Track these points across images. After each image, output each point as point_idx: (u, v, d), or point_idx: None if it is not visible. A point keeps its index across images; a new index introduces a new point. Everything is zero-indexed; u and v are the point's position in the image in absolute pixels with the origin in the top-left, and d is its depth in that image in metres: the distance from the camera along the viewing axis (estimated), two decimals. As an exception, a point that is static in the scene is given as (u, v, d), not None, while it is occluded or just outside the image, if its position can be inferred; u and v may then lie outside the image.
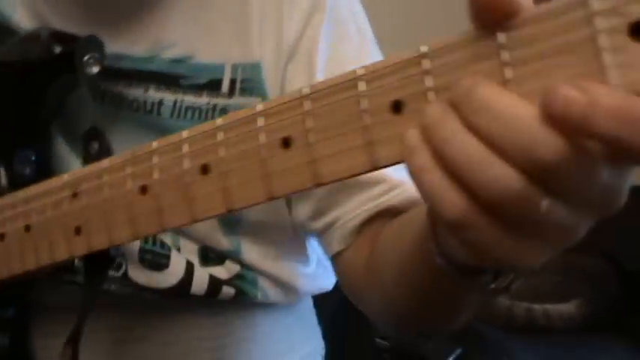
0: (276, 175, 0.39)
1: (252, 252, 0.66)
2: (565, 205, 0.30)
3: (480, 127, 0.30)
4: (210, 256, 0.66)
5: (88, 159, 0.56)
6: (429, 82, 0.33)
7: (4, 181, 0.61)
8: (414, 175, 0.32)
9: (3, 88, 0.62)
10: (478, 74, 0.31)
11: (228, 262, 0.66)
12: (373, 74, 0.35)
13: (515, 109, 0.29)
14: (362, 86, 0.36)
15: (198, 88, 0.63)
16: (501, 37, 0.31)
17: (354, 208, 0.59)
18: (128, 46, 0.63)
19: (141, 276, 0.63)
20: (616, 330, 1.40)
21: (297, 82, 0.62)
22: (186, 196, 0.43)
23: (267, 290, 0.67)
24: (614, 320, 1.41)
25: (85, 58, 0.57)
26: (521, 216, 0.30)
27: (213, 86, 0.63)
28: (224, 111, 0.63)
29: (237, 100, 0.63)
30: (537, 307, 1.42)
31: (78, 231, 0.50)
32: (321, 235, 0.62)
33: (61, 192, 0.51)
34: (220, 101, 0.63)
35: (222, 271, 0.66)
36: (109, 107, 0.63)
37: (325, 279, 0.73)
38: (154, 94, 0.63)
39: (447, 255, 0.39)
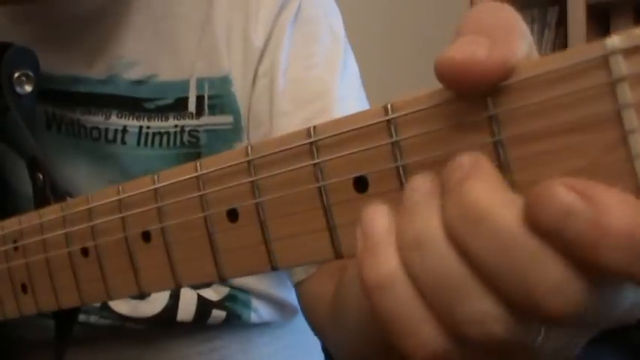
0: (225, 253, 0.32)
1: None
2: (565, 332, 0.23)
3: (468, 245, 0.21)
4: None
5: (35, 191, 0.49)
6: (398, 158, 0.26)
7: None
8: (371, 289, 0.23)
9: None
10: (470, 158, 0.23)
11: (215, 285, 0.60)
12: (331, 139, 0.28)
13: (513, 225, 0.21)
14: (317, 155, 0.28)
15: (164, 111, 0.55)
16: (491, 104, 0.23)
17: None
18: (83, 68, 0.55)
19: (122, 305, 0.58)
20: (620, 341, 1.34)
21: (258, 91, 0.55)
22: (131, 265, 0.36)
23: (261, 310, 0.61)
24: (618, 331, 1.35)
25: (15, 75, 0.49)
26: (512, 354, 0.22)
27: (179, 106, 0.55)
28: (193, 133, 0.55)
29: (207, 119, 0.55)
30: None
31: (24, 288, 0.44)
32: None
33: (2, 244, 0.45)
34: (188, 122, 0.56)
35: (211, 293, 0.60)
36: (66, 137, 0.56)
37: None
38: (116, 120, 0.55)
39: None
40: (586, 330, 0.25)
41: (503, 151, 0.23)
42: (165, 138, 0.56)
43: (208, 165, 0.32)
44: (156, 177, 0.34)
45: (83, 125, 0.56)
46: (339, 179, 0.27)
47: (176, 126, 0.55)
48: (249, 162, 0.30)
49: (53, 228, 0.41)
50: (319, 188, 0.28)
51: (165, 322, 0.58)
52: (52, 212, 0.41)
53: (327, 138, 0.27)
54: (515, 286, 0.20)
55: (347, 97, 0.56)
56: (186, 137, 0.55)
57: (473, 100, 0.24)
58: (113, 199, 0.36)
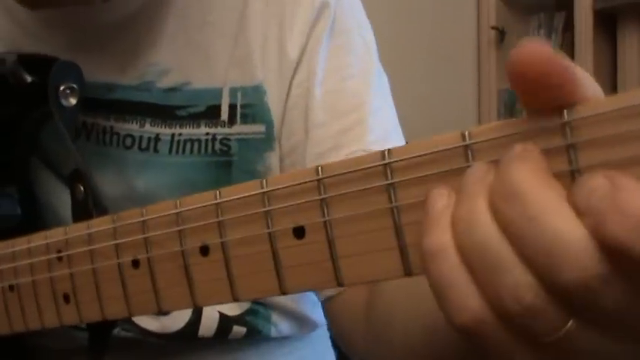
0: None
1: None
2: (598, 332, 0.25)
3: (507, 218, 0.25)
4: None
5: (75, 204, 0.50)
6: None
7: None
8: (426, 255, 0.27)
9: None
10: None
11: None
12: (405, 162, 0.29)
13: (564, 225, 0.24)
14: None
15: (195, 118, 0.56)
16: (569, 134, 0.25)
17: None
18: (117, 74, 0.56)
19: (145, 320, 0.58)
20: None
21: (292, 100, 0.56)
22: (186, 279, 0.37)
23: (280, 325, 0.62)
24: None
25: (61, 88, 0.50)
26: (542, 334, 0.25)
27: (211, 114, 0.56)
28: (225, 142, 0.56)
29: (239, 128, 0.56)
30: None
31: (66, 299, 0.44)
32: None
33: (45, 253, 0.45)
34: (220, 130, 0.56)
35: (233, 307, 0.60)
36: (94, 145, 0.56)
37: None
38: (150, 128, 0.56)
39: None
40: (621, 336, 0.25)
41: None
42: (196, 145, 0.56)
43: (275, 182, 0.33)
44: (218, 192, 0.35)
45: (116, 133, 0.56)
46: (413, 200, 0.28)
47: (207, 134, 0.56)
48: (319, 180, 0.31)
49: (102, 239, 0.41)
50: (391, 208, 0.29)
51: (187, 338, 0.59)
52: (102, 223, 0.41)
53: (401, 161, 0.29)
54: (542, 256, 0.24)
55: (381, 108, 0.57)
56: (217, 145, 0.56)
57: (550, 128, 0.25)
58: (170, 212, 0.37)
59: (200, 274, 0.36)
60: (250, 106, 0.56)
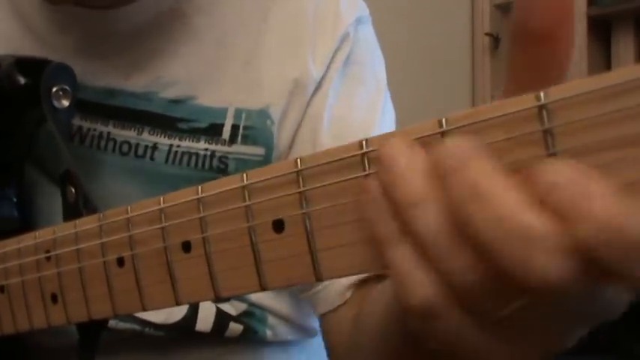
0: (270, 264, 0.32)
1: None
2: (549, 308, 0.25)
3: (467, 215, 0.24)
4: None
5: (66, 205, 0.50)
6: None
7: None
8: (376, 243, 0.27)
9: None
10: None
11: (233, 301, 0.60)
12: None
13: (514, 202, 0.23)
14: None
15: (196, 133, 0.57)
16: (546, 119, 0.24)
17: None
18: (120, 79, 0.56)
19: None
20: (612, 351, 1.34)
21: (305, 123, 0.58)
22: (169, 276, 0.37)
23: (277, 328, 0.62)
24: (611, 341, 1.35)
25: (54, 89, 0.50)
26: (494, 312, 0.25)
27: (213, 131, 0.57)
28: (223, 160, 0.57)
29: (238, 148, 0.57)
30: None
31: (54, 298, 0.44)
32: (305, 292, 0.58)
33: (34, 253, 0.45)
34: (219, 148, 0.57)
35: (229, 308, 0.60)
36: (88, 149, 0.56)
37: None
38: (148, 137, 0.56)
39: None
40: (565, 317, 0.26)
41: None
42: (193, 158, 0.57)
43: (255, 175, 0.32)
44: (200, 187, 0.34)
45: (113, 138, 0.57)
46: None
47: (207, 149, 0.57)
48: (298, 172, 0.30)
49: (89, 238, 0.41)
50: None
51: (184, 331, 0.59)
52: (88, 222, 0.41)
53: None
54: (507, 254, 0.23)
55: None
56: (215, 162, 0.56)
57: (528, 114, 0.25)
58: (154, 208, 0.37)
59: (182, 271, 0.36)
60: (253, 128, 0.57)
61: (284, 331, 0.62)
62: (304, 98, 0.57)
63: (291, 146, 0.58)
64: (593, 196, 0.22)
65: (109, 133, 0.57)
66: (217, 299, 0.36)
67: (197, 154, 0.56)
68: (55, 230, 0.44)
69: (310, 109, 0.58)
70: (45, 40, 0.58)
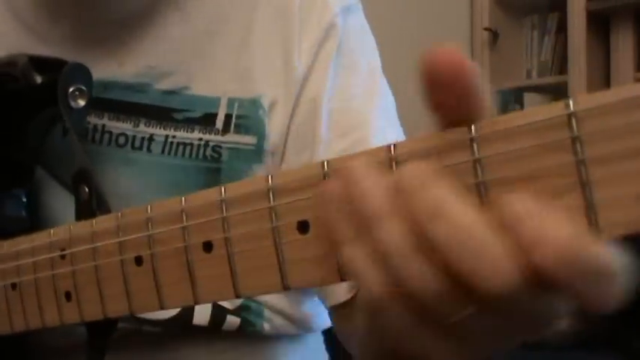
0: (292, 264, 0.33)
1: None
2: (495, 318, 0.27)
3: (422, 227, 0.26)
4: None
5: (79, 205, 0.50)
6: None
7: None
8: (334, 243, 0.29)
9: None
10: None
11: None
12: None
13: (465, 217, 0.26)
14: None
15: (190, 123, 0.57)
16: (575, 126, 0.25)
17: None
18: (114, 66, 0.57)
19: None
20: (610, 346, 1.36)
21: (302, 116, 0.58)
22: (189, 275, 0.37)
23: (274, 321, 0.62)
24: (608, 337, 1.37)
25: (70, 89, 0.51)
26: (446, 318, 0.27)
27: (206, 121, 0.57)
28: (217, 149, 0.57)
29: (231, 137, 0.57)
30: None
31: (68, 297, 0.44)
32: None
33: (48, 251, 0.45)
34: (213, 138, 0.57)
35: (225, 303, 0.60)
36: (88, 142, 0.57)
37: None
38: (144, 128, 0.57)
39: None
40: (511, 326, 0.28)
41: (585, 170, 0.25)
42: (188, 149, 0.57)
43: (280, 177, 0.33)
44: (222, 188, 0.35)
45: (108, 131, 0.57)
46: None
47: (200, 139, 0.57)
48: (325, 175, 0.31)
49: (106, 236, 0.41)
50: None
51: (182, 325, 0.59)
52: (105, 221, 0.42)
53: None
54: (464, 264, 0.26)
55: (384, 127, 0.58)
56: (209, 151, 0.57)
57: (557, 121, 0.25)
58: (175, 208, 0.37)
59: (202, 271, 0.36)
60: (245, 117, 0.58)
61: (281, 324, 0.62)
62: (292, 89, 0.58)
63: (286, 138, 0.59)
64: (551, 224, 0.24)
65: (103, 126, 0.57)
66: (236, 298, 0.36)
67: (191, 145, 0.57)
68: (72, 228, 0.44)
69: (303, 100, 0.58)
70: (38, 33, 0.58)
